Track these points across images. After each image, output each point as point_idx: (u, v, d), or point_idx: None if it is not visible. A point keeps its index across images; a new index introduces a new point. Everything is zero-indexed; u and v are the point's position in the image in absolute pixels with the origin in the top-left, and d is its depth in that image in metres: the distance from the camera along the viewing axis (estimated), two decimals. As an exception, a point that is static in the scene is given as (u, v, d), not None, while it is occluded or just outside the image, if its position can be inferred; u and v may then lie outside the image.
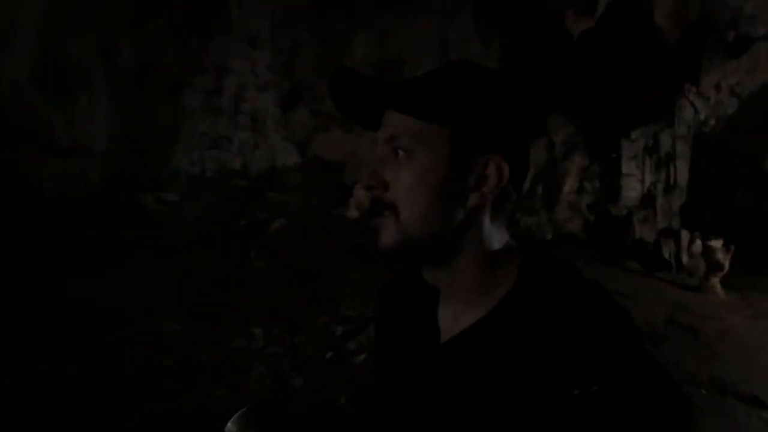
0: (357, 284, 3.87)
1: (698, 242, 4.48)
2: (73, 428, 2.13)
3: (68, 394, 2.31)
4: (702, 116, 5.43)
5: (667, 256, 4.66)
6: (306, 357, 2.96)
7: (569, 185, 6.30)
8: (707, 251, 4.25)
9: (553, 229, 6.29)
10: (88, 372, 2.46)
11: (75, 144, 5.24)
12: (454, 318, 0.54)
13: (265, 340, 3.16)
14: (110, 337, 2.77)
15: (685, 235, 4.70)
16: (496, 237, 0.52)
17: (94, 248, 4.10)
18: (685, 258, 4.70)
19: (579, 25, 5.89)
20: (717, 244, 4.22)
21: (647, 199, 5.44)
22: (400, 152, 0.51)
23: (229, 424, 0.54)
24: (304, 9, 6.57)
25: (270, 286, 3.94)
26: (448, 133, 0.50)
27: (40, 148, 5.01)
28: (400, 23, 7.42)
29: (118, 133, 5.33)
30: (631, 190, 5.64)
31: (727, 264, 4.20)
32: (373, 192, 0.52)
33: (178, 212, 4.83)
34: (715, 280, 4.23)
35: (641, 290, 4.28)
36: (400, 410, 0.55)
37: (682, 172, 5.46)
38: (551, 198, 6.39)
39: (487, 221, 0.52)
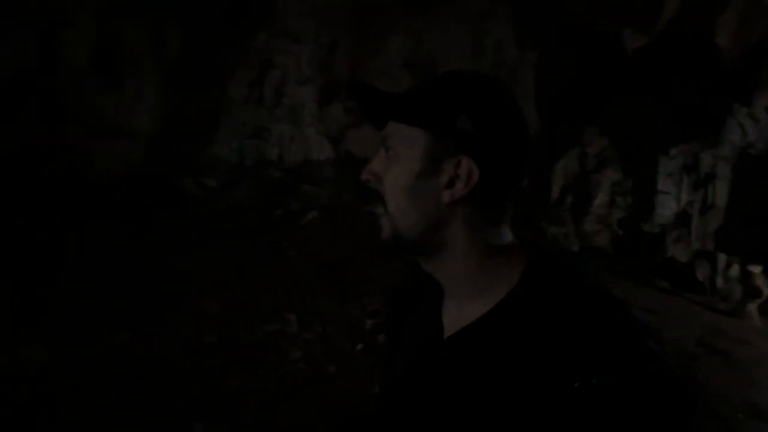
0: (384, 280, 3.94)
1: (736, 266, 4.37)
2: (126, 395, 2.27)
3: (123, 365, 2.46)
4: (750, 138, 5.27)
5: (701, 278, 4.56)
6: (337, 346, 3.05)
7: (600, 198, 6.21)
8: (746, 276, 4.15)
9: (580, 241, 6.22)
10: (138, 343, 2.61)
11: (121, 126, 5.47)
12: (457, 314, 0.55)
13: (299, 326, 3.27)
14: (156, 313, 2.93)
15: (722, 258, 4.58)
16: (493, 235, 0.54)
17: (137, 227, 4.30)
18: (720, 281, 4.59)
19: (635, 40, 5.79)
20: (756, 269, 4.12)
21: (682, 219, 5.32)
22: (390, 151, 0.56)
23: None
24: (344, 8, 6.67)
25: (301, 276, 4.05)
26: (425, 136, 0.54)
27: (89, 129, 5.26)
28: (434, 25, 7.44)
29: (162, 118, 5.55)
30: (666, 208, 5.52)
31: (766, 290, 4.09)
32: (370, 185, 0.57)
33: (217, 198, 5.01)
34: (753, 306, 4.13)
35: (671, 309, 4.21)
36: (405, 405, 0.56)
37: (721, 194, 5.32)
38: (580, 210, 6.32)
39: (474, 218, 0.54)
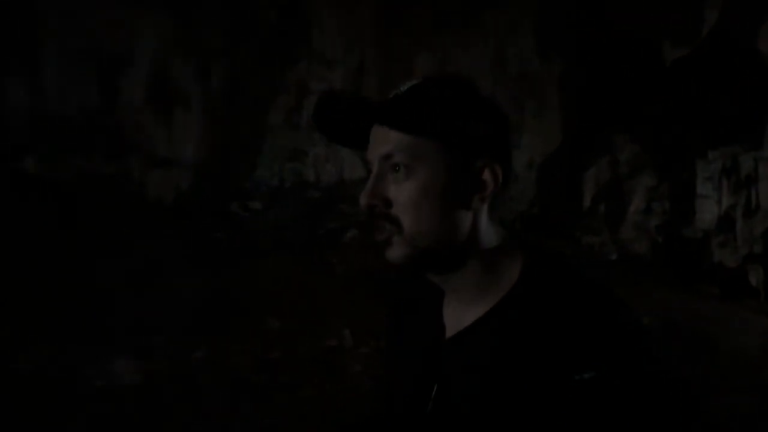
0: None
1: (788, 269, 4.25)
2: (199, 411, 2.42)
3: (195, 380, 2.64)
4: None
5: (754, 283, 4.44)
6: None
7: (635, 205, 6.16)
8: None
9: (617, 249, 6.16)
10: (215, 359, 2.79)
11: (172, 156, 5.84)
12: (459, 315, 0.55)
13: (354, 340, 3.39)
14: (226, 330, 3.11)
15: (773, 261, 4.47)
16: (494, 235, 0.54)
17: (192, 250, 4.56)
18: (773, 285, 4.46)
19: (675, 50, 5.82)
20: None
21: (725, 223, 5.23)
22: (401, 168, 0.52)
23: None
24: (371, 29, 6.98)
25: (350, 292, 4.20)
26: (441, 146, 0.52)
27: (144, 159, 5.65)
28: (461, 42, 7.65)
29: (208, 147, 5.89)
30: (707, 212, 5.44)
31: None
32: (376, 210, 0.52)
33: (262, 219, 5.26)
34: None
35: (725, 317, 4.12)
36: (409, 408, 0.55)
37: (765, 196, 5.21)
38: (615, 217, 6.27)
39: (484, 222, 0.54)
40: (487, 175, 0.53)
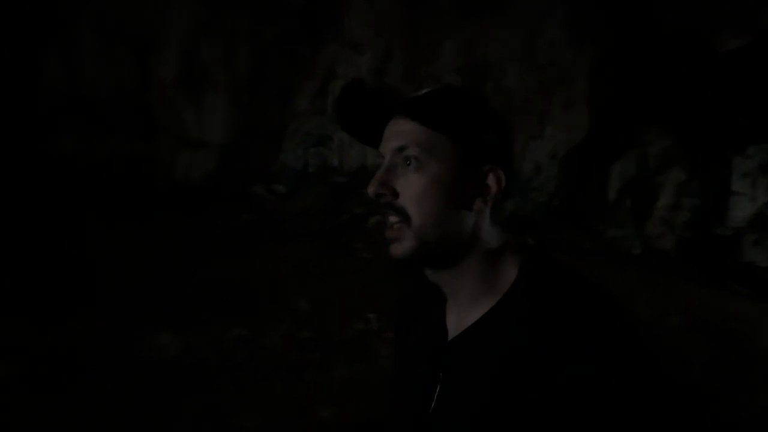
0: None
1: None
2: (237, 384, 2.54)
3: (232, 356, 2.76)
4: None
5: (786, 283, 4.36)
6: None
7: (664, 200, 6.05)
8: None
9: (641, 244, 6.08)
10: (250, 338, 2.91)
11: (200, 138, 5.94)
12: (460, 316, 0.56)
13: (379, 325, 3.48)
14: (258, 310, 3.23)
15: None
16: (495, 237, 0.56)
17: (220, 231, 4.68)
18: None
19: (730, 42, 5.58)
20: None
21: (759, 221, 5.10)
22: (412, 161, 0.53)
23: None
24: (398, 15, 6.87)
25: (374, 277, 4.27)
26: (454, 146, 0.54)
27: (173, 141, 5.76)
28: (488, 29, 7.48)
29: (234, 130, 5.97)
30: (740, 210, 5.31)
31: None
32: (383, 199, 0.54)
33: (287, 203, 5.35)
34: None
35: (756, 316, 4.06)
36: (415, 410, 0.56)
37: (803, 194, 5.05)
38: (642, 212, 6.18)
39: (486, 225, 0.56)
40: (491, 179, 0.55)
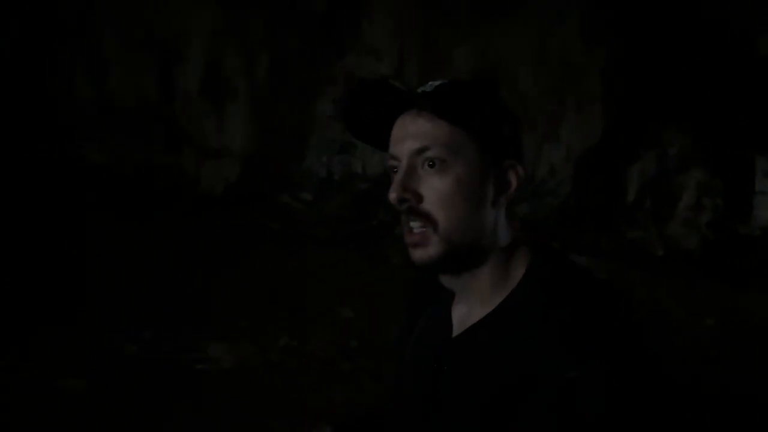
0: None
1: None
2: (292, 395, 2.51)
3: (283, 365, 2.74)
4: None
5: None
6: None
7: (685, 200, 6.05)
8: None
9: (663, 245, 6.08)
10: (299, 347, 2.89)
11: (222, 146, 5.94)
12: (466, 314, 0.55)
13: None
14: (302, 320, 3.20)
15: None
16: (508, 234, 0.55)
17: (251, 240, 4.67)
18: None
19: (751, 39, 5.63)
20: None
21: (786, 219, 5.12)
22: (436, 163, 0.51)
23: None
24: (413, 21, 6.92)
25: (406, 283, 4.27)
26: (476, 142, 0.52)
27: (197, 151, 5.76)
28: (501, 32, 7.53)
29: (257, 138, 5.97)
30: (765, 210, 5.32)
31: None
32: (405, 204, 0.52)
33: (313, 210, 5.34)
34: None
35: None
36: (416, 406, 0.56)
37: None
38: (663, 213, 6.18)
39: (503, 221, 0.54)
40: (512, 175, 0.54)
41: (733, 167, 5.84)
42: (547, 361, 0.46)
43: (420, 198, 0.52)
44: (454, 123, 0.52)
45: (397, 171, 0.54)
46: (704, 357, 3.13)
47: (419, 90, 0.54)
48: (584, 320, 0.47)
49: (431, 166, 0.52)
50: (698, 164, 6.16)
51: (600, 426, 0.44)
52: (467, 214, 0.52)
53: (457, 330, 0.56)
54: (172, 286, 3.44)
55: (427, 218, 0.52)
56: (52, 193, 4.17)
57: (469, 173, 0.52)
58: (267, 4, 5.62)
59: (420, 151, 0.52)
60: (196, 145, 5.70)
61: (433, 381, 0.55)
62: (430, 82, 0.54)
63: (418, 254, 0.53)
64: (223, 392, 2.42)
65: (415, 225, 0.53)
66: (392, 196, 0.52)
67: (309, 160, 5.78)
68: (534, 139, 7.58)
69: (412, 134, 0.53)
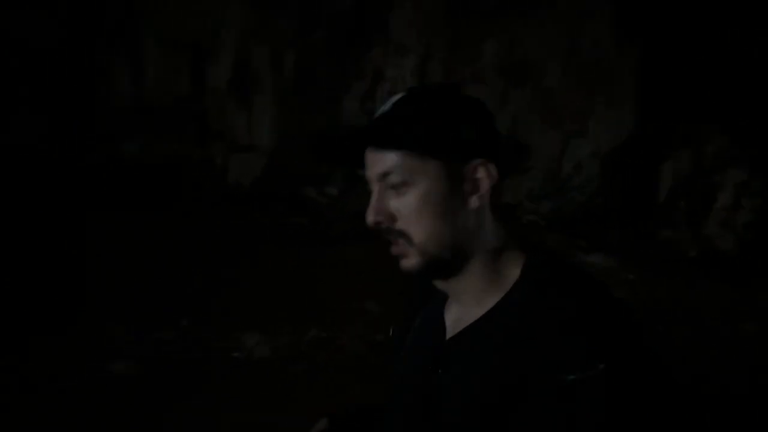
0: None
1: None
2: (325, 386, 2.57)
3: (315, 357, 2.80)
4: None
5: None
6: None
7: (721, 200, 5.82)
8: None
9: (698, 246, 5.86)
10: (329, 339, 2.95)
11: (250, 141, 6.07)
12: (459, 317, 0.56)
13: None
14: (331, 311, 3.27)
15: None
16: (496, 236, 0.55)
17: (278, 235, 4.76)
18: None
19: None
20: None
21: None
22: (398, 184, 0.53)
23: None
24: (440, 16, 6.86)
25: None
26: (434, 156, 0.53)
27: (226, 145, 5.90)
28: (529, 27, 7.38)
29: (283, 133, 6.07)
30: (809, 210, 5.06)
31: None
32: (381, 226, 0.54)
33: (339, 206, 5.40)
34: None
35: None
36: (409, 409, 0.56)
37: None
38: (698, 213, 5.95)
39: (488, 221, 0.55)
40: (481, 173, 0.54)
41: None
42: (545, 363, 0.46)
43: (393, 218, 0.55)
44: (403, 150, 0.53)
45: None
46: (741, 365, 3.01)
47: (379, 111, 0.56)
48: (584, 322, 0.47)
49: (395, 188, 0.54)
50: (736, 163, 5.89)
51: (600, 428, 0.44)
52: (439, 225, 0.54)
53: (451, 331, 0.57)
54: (201, 276, 3.56)
55: (403, 235, 0.55)
56: (93, 186, 4.37)
57: (432, 187, 0.54)
58: (294, 2, 5.68)
59: (383, 176, 0.55)
60: (225, 141, 5.85)
61: (427, 382, 0.56)
62: (392, 98, 0.56)
63: (403, 264, 0.56)
64: (257, 380, 2.50)
65: (395, 240, 0.55)
66: (368, 220, 0.55)
67: (334, 155, 5.84)
68: (560, 135, 7.42)
69: (374, 161, 0.56)
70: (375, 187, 0.57)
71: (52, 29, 4.21)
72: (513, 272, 0.54)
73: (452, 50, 7.13)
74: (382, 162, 0.55)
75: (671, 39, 6.24)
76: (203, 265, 3.74)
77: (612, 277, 4.64)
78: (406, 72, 6.10)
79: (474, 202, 0.55)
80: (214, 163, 5.76)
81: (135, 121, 4.98)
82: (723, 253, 5.56)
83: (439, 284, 0.58)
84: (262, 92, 6.00)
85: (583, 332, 0.46)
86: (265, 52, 5.79)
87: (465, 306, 0.56)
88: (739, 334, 3.61)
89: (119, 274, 3.35)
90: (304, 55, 6.00)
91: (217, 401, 2.24)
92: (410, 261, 0.55)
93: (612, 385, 0.44)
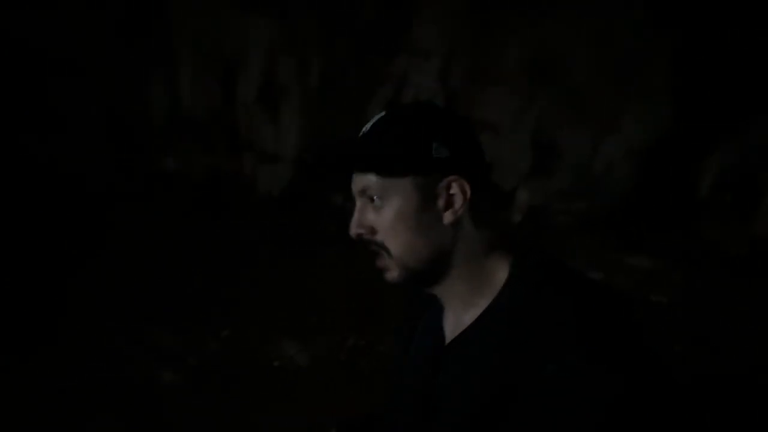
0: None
1: None
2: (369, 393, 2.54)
3: (355, 365, 2.77)
4: None
5: None
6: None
7: (772, 194, 5.48)
8: None
9: (749, 244, 5.52)
10: (364, 349, 2.92)
11: (278, 151, 6.16)
12: (456, 321, 0.58)
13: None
14: (369, 320, 3.24)
15: None
16: (480, 243, 0.57)
17: (310, 243, 4.79)
18: None
19: None
20: None
21: None
22: (375, 200, 0.58)
23: None
24: (464, 18, 6.80)
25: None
26: (407, 177, 0.57)
27: (255, 154, 6.01)
28: (557, 22, 7.21)
29: (310, 141, 6.14)
30: None
31: None
32: (363, 237, 0.59)
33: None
34: None
35: None
36: (411, 414, 0.57)
37: None
38: (745, 210, 5.62)
39: (469, 231, 0.57)
40: (455, 189, 0.59)
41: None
42: (535, 363, 0.46)
43: (373, 231, 0.61)
44: (378, 174, 0.59)
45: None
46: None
47: (363, 129, 0.62)
48: (574, 321, 0.47)
49: (373, 202, 0.61)
50: (787, 154, 5.54)
51: (599, 428, 0.43)
52: (414, 239, 0.58)
53: (449, 336, 0.60)
54: (229, 283, 3.61)
55: (382, 247, 0.60)
56: (138, 200, 4.53)
57: (405, 204, 0.58)
58: (319, 13, 5.77)
59: (362, 192, 0.62)
60: (254, 151, 5.96)
61: (427, 386, 0.59)
62: (373, 117, 0.61)
63: (387, 276, 0.61)
64: (298, 387, 2.49)
65: (377, 251, 0.60)
66: (351, 232, 0.61)
67: (361, 161, 5.87)
68: (590, 133, 7.20)
69: (354, 179, 0.63)
70: (357, 202, 0.63)
71: (79, 41, 4.42)
72: (500, 274, 0.57)
73: (476, 51, 7.05)
74: (360, 180, 0.62)
75: (709, 25, 5.94)
76: (229, 270, 3.80)
77: (656, 279, 4.44)
78: (430, 76, 6.07)
79: (448, 217, 0.59)
80: (245, 172, 5.87)
81: (169, 135, 5.15)
82: (776, 252, 5.21)
83: (428, 291, 0.62)
84: (290, 101, 6.09)
85: (573, 331, 0.47)
86: (291, 62, 5.88)
87: (458, 311, 0.59)
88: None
89: (155, 278, 3.44)
90: (328, 64, 6.07)
91: (261, 409, 2.24)
92: (392, 273, 0.60)
93: (611, 385, 0.44)
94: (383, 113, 0.63)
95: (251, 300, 3.30)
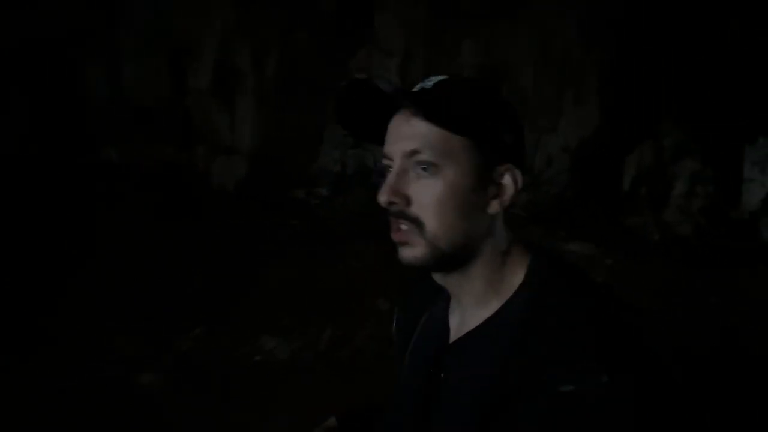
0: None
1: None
2: (351, 385, 2.61)
3: (334, 357, 2.82)
4: None
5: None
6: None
7: (679, 188, 6.39)
8: None
9: (659, 231, 6.40)
10: (341, 342, 2.96)
11: (233, 144, 5.91)
12: (463, 320, 0.54)
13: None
14: (345, 313, 3.28)
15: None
16: (503, 239, 0.53)
17: (274, 237, 4.69)
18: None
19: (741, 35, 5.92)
20: None
21: (772, 204, 5.52)
22: (427, 167, 0.48)
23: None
24: (422, 18, 6.99)
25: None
26: (471, 146, 0.49)
27: (209, 147, 5.72)
28: (505, 29, 7.68)
29: (268, 135, 5.96)
30: (753, 195, 5.72)
31: None
32: (395, 207, 0.50)
33: (330, 206, 5.39)
34: None
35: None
36: (411, 412, 0.54)
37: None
38: (658, 201, 6.50)
39: (499, 226, 0.53)
40: (508, 179, 0.52)
41: (723, 157, 6.20)
42: (546, 369, 0.45)
43: (409, 201, 0.50)
44: (448, 128, 0.49)
45: (390, 171, 0.51)
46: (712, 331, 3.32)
47: (418, 87, 0.51)
48: (588, 327, 0.46)
49: (424, 170, 0.50)
50: (691, 154, 6.49)
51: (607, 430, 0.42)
52: (457, 220, 0.50)
53: (454, 335, 0.55)
54: (204, 280, 3.47)
55: (415, 222, 0.50)
56: (82, 193, 4.10)
57: (461, 179, 0.50)
58: (278, 3, 5.59)
59: (412, 153, 0.50)
60: (208, 143, 5.66)
61: (429, 385, 0.54)
62: (430, 78, 0.52)
63: (405, 253, 0.51)
64: (279, 381, 2.49)
65: (404, 226, 0.51)
66: (382, 199, 0.51)
67: (323, 155, 5.82)
68: (533, 131, 7.80)
69: (404, 136, 0.50)
70: (396, 164, 0.50)
71: (29, 28, 3.91)
72: (517, 276, 0.53)
73: (432, 50, 7.30)
74: (413, 137, 0.49)
75: (633, 41, 6.78)
76: (204, 268, 3.64)
77: (592, 263, 4.97)
78: (391, 72, 6.19)
79: (494, 206, 0.52)
80: (197, 165, 5.56)
81: (114, 124, 4.71)
82: (682, 237, 6.12)
83: (440, 279, 0.55)
84: (246, 93, 5.86)
85: (587, 339, 0.45)
86: (248, 52, 5.65)
87: (468, 309, 0.54)
88: (704, 307, 4.02)
89: (127, 277, 3.20)
90: (288, 56, 5.92)
91: (247, 405, 2.22)
92: (414, 250, 0.51)
93: (618, 391, 0.42)
94: (445, 76, 0.52)
95: (220, 297, 3.19)
